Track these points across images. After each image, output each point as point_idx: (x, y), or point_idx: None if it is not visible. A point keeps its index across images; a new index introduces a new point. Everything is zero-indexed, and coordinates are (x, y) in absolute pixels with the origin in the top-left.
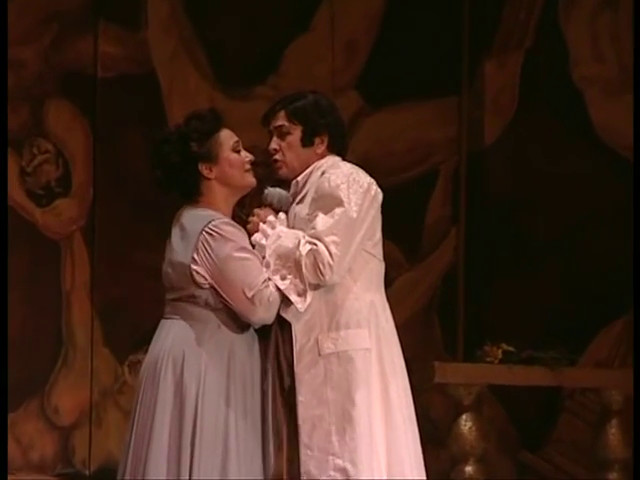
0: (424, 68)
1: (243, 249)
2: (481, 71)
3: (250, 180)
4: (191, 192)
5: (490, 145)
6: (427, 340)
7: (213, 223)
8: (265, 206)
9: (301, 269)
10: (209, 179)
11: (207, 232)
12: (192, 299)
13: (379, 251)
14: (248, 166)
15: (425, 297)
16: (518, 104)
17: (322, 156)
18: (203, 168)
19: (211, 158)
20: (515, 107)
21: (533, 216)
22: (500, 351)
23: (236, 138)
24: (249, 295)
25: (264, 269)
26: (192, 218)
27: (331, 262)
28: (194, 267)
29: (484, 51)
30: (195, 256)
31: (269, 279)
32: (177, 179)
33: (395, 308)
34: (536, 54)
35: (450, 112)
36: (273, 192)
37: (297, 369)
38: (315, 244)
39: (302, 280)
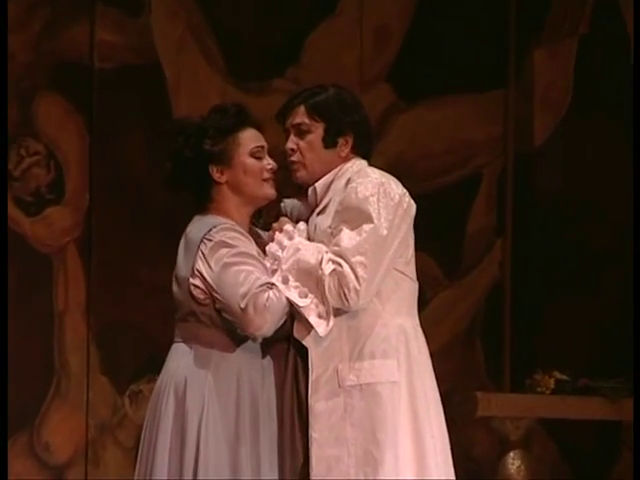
0: (465, 58)
1: (240, 254)
2: (530, 61)
3: (267, 191)
4: (201, 195)
5: (540, 145)
6: (469, 368)
7: (214, 230)
8: (282, 216)
9: (324, 290)
10: (220, 183)
11: (207, 239)
12: (194, 318)
13: (412, 270)
14: (268, 175)
15: (466, 319)
16: (572, 99)
17: (345, 159)
18: (214, 170)
19: (224, 160)
20: (568, 102)
21: (589, 226)
22: (552, 380)
23: (260, 142)
24: (242, 305)
25: (265, 276)
26: (197, 227)
27: (357, 286)
28: (192, 280)
29: (533, 38)
30: (194, 268)
31: (272, 285)
32: (187, 177)
33: (432, 331)
34: (593, 42)
35: (495, 108)
36: (291, 203)
37: (312, 401)
38: (340, 264)
39: (324, 301)
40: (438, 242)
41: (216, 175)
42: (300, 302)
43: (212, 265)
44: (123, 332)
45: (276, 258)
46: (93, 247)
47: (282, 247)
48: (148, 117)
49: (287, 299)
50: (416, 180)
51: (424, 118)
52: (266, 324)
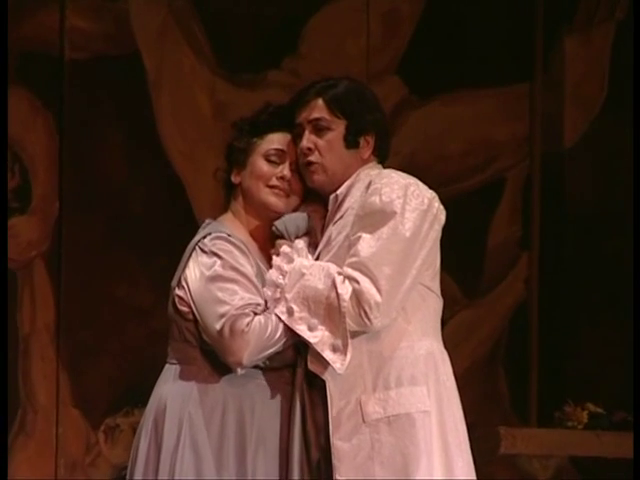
0: (485, 47)
1: (230, 268)
2: (559, 51)
3: (269, 199)
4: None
5: (571, 147)
6: (490, 399)
7: (209, 237)
8: (278, 238)
9: (344, 318)
10: (235, 184)
11: (199, 248)
12: (181, 336)
13: (437, 285)
14: (275, 183)
15: (488, 343)
16: (607, 94)
17: (366, 162)
18: (234, 170)
19: (240, 159)
20: (603, 98)
21: (625, 237)
22: (585, 413)
23: (279, 146)
24: (217, 327)
25: (249, 296)
26: (199, 232)
27: (379, 300)
28: (177, 292)
29: (563, 24)
30: (181, 278)
31: (260, 309)
32: (227, 176)
33: (449, 356)
34: (630, 28)
35: (519, 104)
36: (284, 221)
37: (334, 440)
38: (357, 280)
39: (339, 332)
40: (455, 256)
41: (233, 174)
42: (311, 338)
43: (196, 278)
44: (97, 359)
45: (278, 286)
46: (63, 262)
47: (283, 273)
48: (126, 114)
49: (285, 328)
50: (430, 185)
51: (439, 115)
52: (244, 352)
